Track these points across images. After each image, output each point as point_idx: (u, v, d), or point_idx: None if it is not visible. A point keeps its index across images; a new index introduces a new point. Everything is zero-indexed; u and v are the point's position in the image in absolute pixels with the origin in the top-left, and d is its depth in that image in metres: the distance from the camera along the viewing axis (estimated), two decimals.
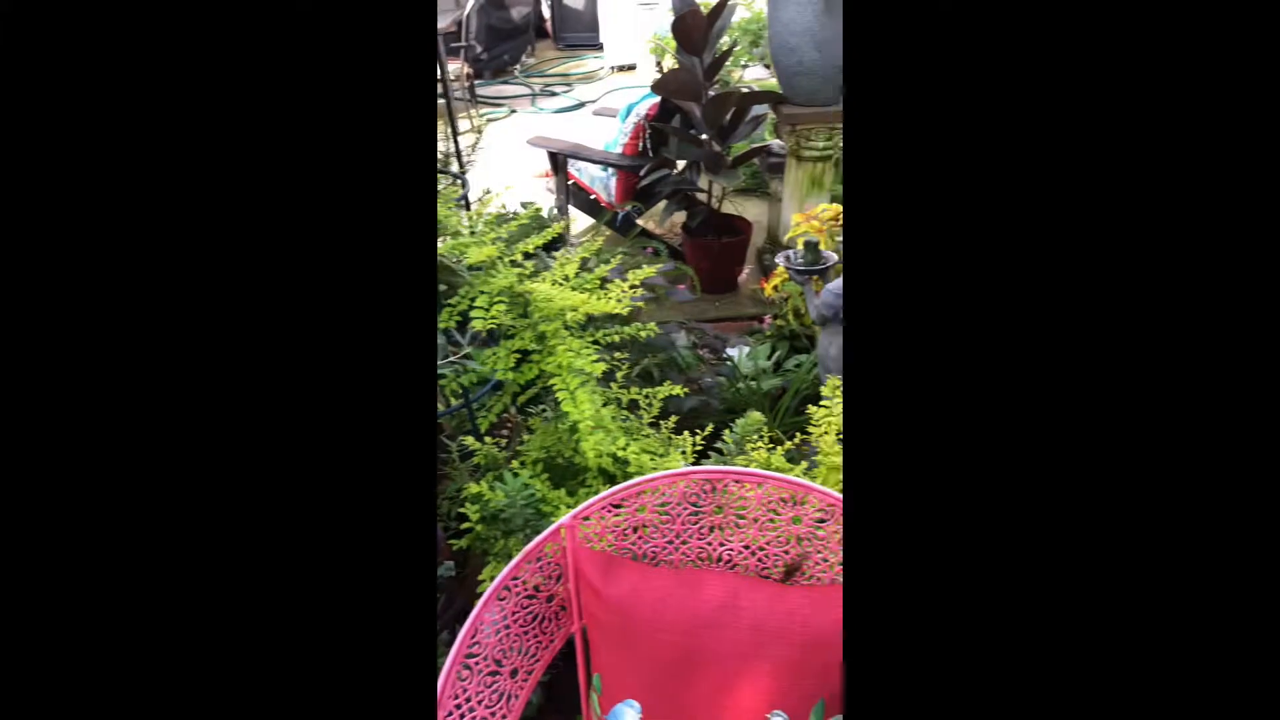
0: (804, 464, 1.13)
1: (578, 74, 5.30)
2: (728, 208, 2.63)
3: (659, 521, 0.86)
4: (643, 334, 1.18)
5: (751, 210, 2.86)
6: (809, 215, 2.17)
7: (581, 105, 4.57)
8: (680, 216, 2.61)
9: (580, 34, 5.83)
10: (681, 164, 2.48)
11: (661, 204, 2.61)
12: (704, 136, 2.34)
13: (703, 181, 2.49)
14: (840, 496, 0.82)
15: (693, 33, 2.09)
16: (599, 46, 5.60)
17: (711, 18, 2.09)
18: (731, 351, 2.04)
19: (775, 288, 2.14)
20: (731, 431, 1.14)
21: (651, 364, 1.58)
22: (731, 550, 0.87)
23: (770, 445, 1.18)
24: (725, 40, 2.59)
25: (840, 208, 2.16)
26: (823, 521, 0.84)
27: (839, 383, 1.35)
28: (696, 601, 0.79)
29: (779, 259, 1.64)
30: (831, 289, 1.56)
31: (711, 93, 2.27)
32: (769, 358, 2.04)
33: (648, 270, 1.19)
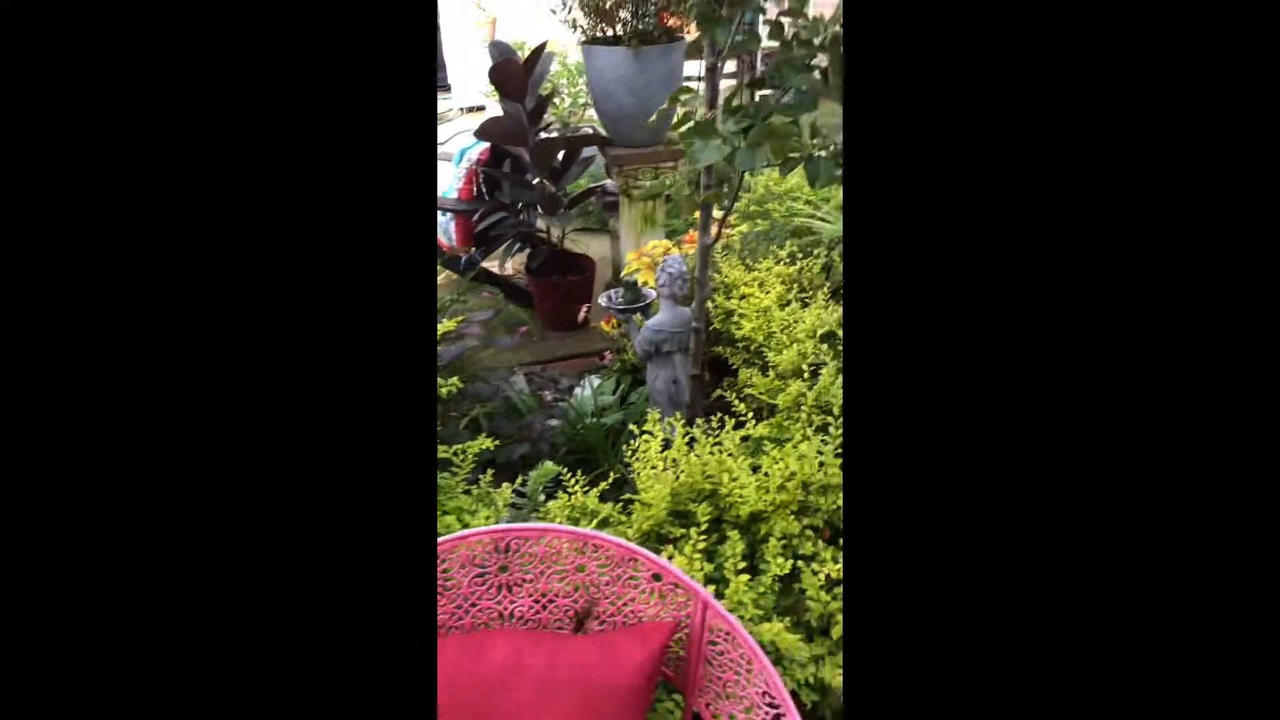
0: (615, 504, 1.16)
1: None
2: (572, 245, 2.68)
3: (444, 588, 0.85)
4: (443, 390, 1.17)
5: (596, 247, 2.92)
6: (641, 252, 2.25)
7: None
8: (524, 257, 2.62)
9: None
10: (520, 205, 2.50)
11: (505, 245, 2.61)
12: (536, 180, 2.38)
13: (542, 223, 2.52)
14: (627, 544, 0.85)
15: (511, 80, 2.12)
16: (447, 87, 5.55)
17: (528, 66, 2.13)
18: (579, 389, 2.06)
19: (615, 324, 2.19)
20: (525, 483, 1.14)
21: (480, 414, 1.57)
22: (522, 607, 0.87)
23: (586, 486, 1.20)
24: (548, 84, 2.65)
25: (669, 243, 2.26)
26: (607, 567, 0.86)
27: (658, 415, 1.40)
28: (481, 667, 0.78)
29: (601, 300, 1.68)
30: (651, 325, 1.62)
31: (541, 136, 2.31)
32: (614, 392, 2.08)
33: (448, 323, 1.18)
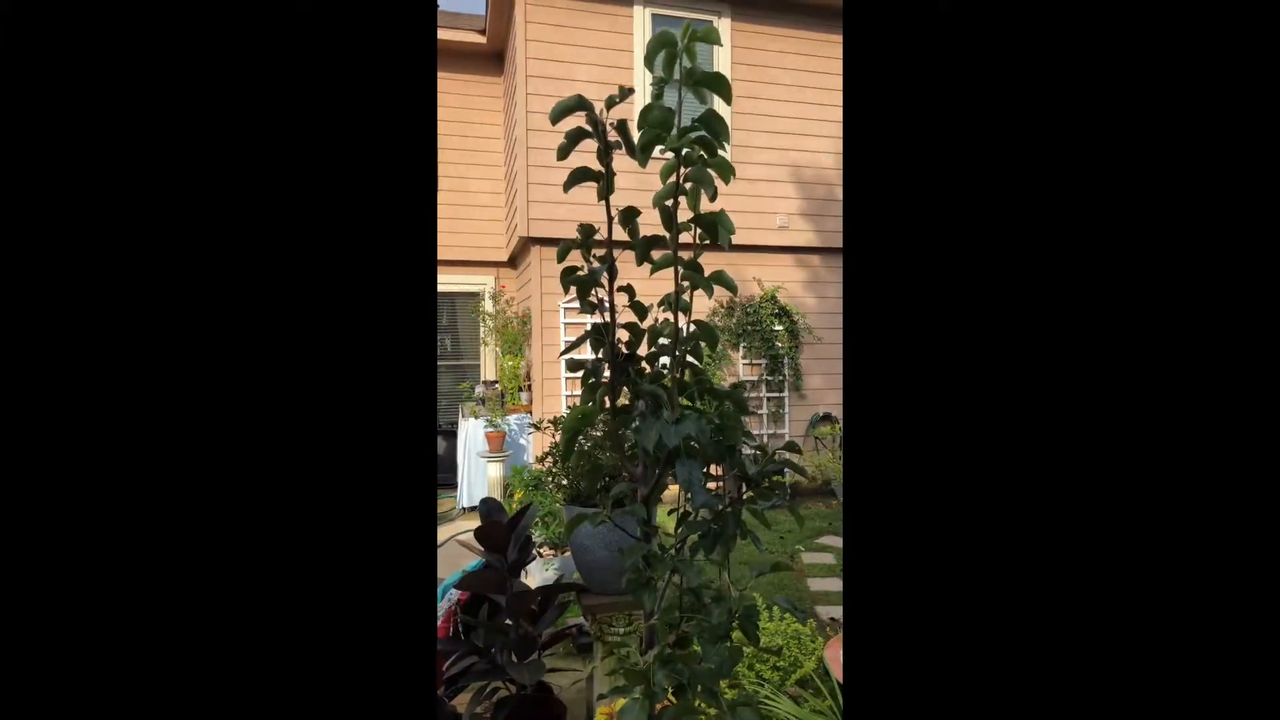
0: None
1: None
2: (547, 678, 2.57)
3: None
4: None
5: (571, 683, 2.80)
6: (611, 712, 2.15)
7: None
8: (491, 704, 2.49)
9: (440, 474, 6.27)
10: (493, 648, 2.47)
11: (475, 690, 2.51)
12: (509, 622, 2.40)
13: (513, 671, 2.47)
14: None
15: (495, 538, 2.31)
16: (454, 485, 5.99)
17: (511, 525, 2.34)
18: None
19: None
20: None
21: None
22: None
23: None
24: (530, 530, 2.87)
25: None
26: None
27: None
28: None
29: None
30: None
31: (519, 584, 2.41)
32: None
33: None
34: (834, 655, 2.07)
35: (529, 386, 6.12)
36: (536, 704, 2.47)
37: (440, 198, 6.88)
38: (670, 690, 1.06)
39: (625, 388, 1.29)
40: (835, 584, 4.13)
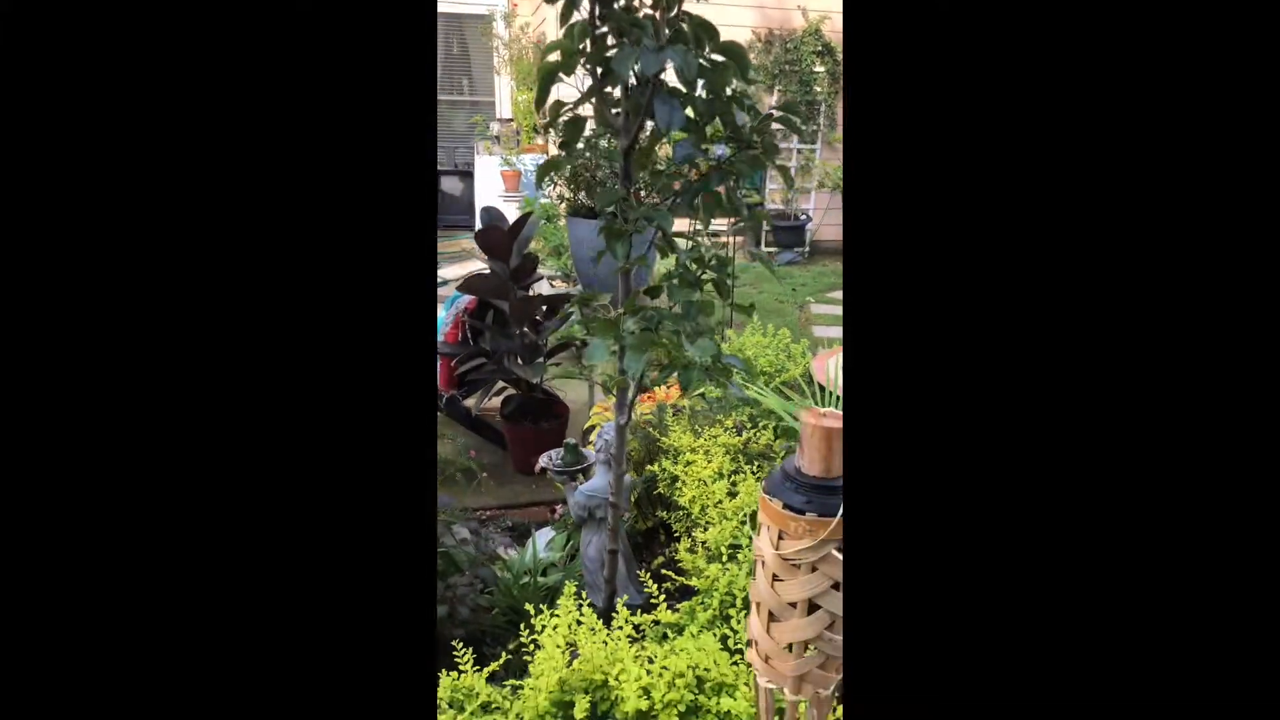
0: (501, 688, 1.13)
1: (450, 252, 5.60)
2: (552, 388, 2.76)
3: None
4: None
5: (575, 389, 3.00)
6: (605, 406, 2.31)
7: (445, 283, 4.78)
8: (499, 400, 2.70)
9: (456, 216, 6.24)
10: (500, 353, 2.61)
11: (483, 388, 2.70)
12: (517, 331, 2.50)
13: (520, 371, 2.62)
14: None
15: (496, 245, 2.30)
16: (472, 227, 5.99)
17: (513, 232, 2.32)
18: (530, 543, 2.04)
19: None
20: None
21: None
22: None
23: (477, 666, 1.17)
24: (533, 246, 2.86)
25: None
26: None
27: (573, 590, 1.39)
28: None
29: (542, 460, 1.72)
30: (584, 489, 1.63)
31: (524, 292, 2.46)
32: (563, 547, 2.06)
33: None
34: (819, 365, 2.14)
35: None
36: (540, 402, 2.67)
37: None
38: (639, 332, 1.07)
39: (610, 33, 1.14)
40: (839, 332, 4.22)
